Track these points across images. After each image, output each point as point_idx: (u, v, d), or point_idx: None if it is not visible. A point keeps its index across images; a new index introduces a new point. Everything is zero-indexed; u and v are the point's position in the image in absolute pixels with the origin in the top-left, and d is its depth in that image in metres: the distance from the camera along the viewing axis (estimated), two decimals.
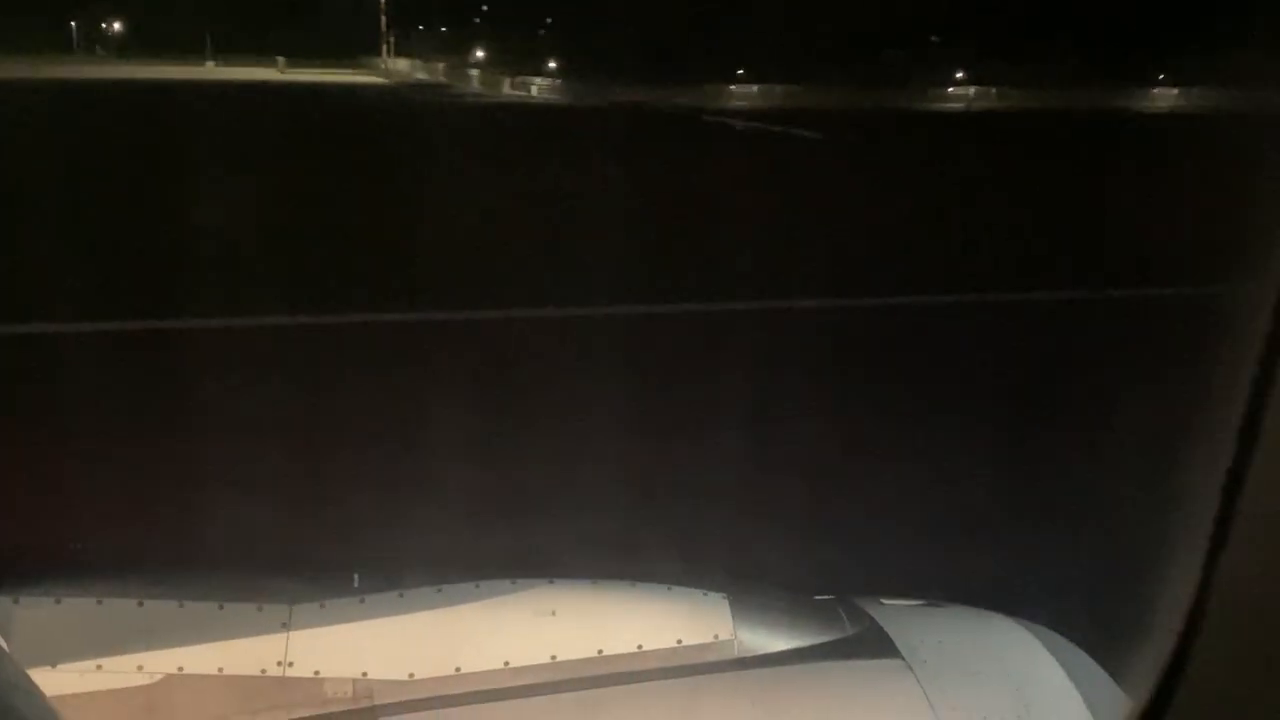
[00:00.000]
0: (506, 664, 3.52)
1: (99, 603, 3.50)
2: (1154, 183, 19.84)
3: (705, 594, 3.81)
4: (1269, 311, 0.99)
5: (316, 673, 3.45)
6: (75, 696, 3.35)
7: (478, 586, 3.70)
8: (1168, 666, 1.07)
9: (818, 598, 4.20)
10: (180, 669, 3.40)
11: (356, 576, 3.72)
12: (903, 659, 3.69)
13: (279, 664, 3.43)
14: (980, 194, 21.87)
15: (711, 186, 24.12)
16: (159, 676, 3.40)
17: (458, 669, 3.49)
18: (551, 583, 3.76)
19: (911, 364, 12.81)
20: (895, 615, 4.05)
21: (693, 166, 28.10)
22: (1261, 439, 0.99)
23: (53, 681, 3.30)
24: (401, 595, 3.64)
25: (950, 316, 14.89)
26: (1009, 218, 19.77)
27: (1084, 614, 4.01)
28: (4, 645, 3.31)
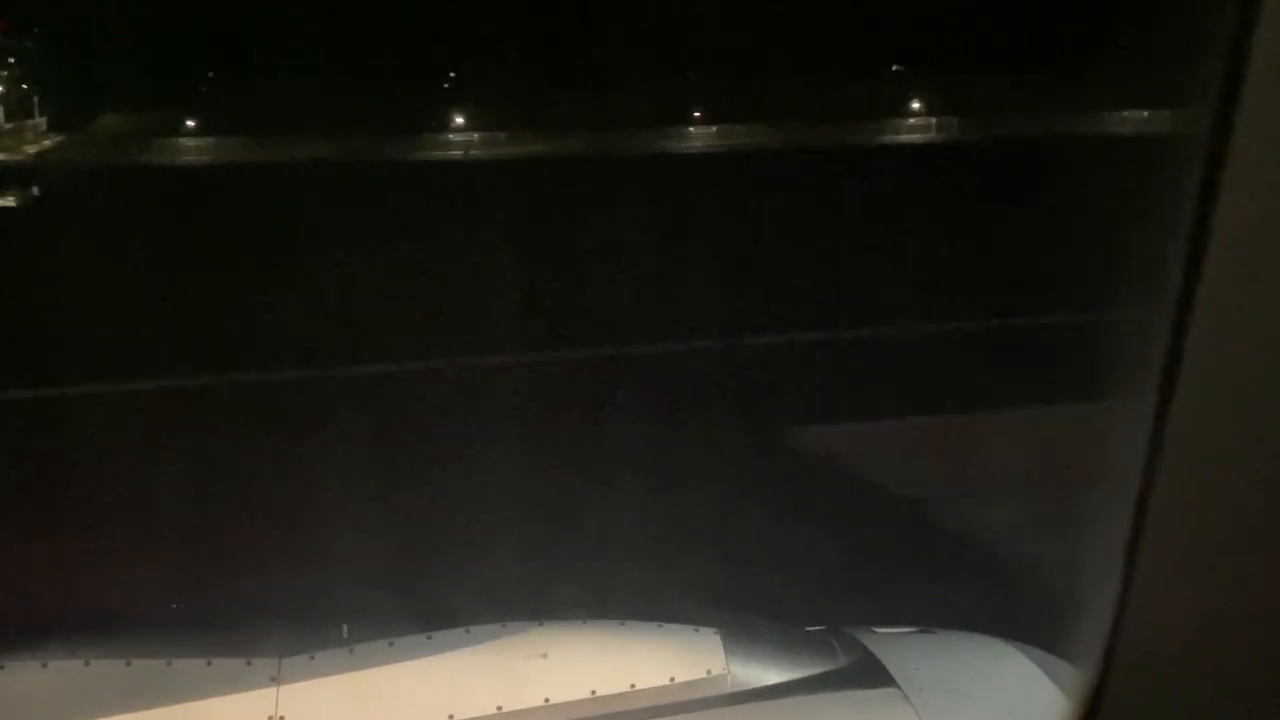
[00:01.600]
0: (500, 709, 3.50)
1: (85, 664, 3.47)
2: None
3: (696, 629, 3.80)
4: (1165, 337, 1.03)
5: None
6: None
7: (468, 632, 3.68)
8: (1100, 668, 1.11)
9: (810, 629, 4.20)
10: None
11: (345, 627, 3.70)
12: (898, 687, 3.68)
13: (270, 719, 3.40)
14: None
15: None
16: None
17: (451, 717, 3.46)
18: (541, 625, 3.75)
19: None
20: (889, 643, 4.04)
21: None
22: (1162, 462, 1.03)
23: None
24: (391, 644, 3.62)
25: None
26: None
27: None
28: None
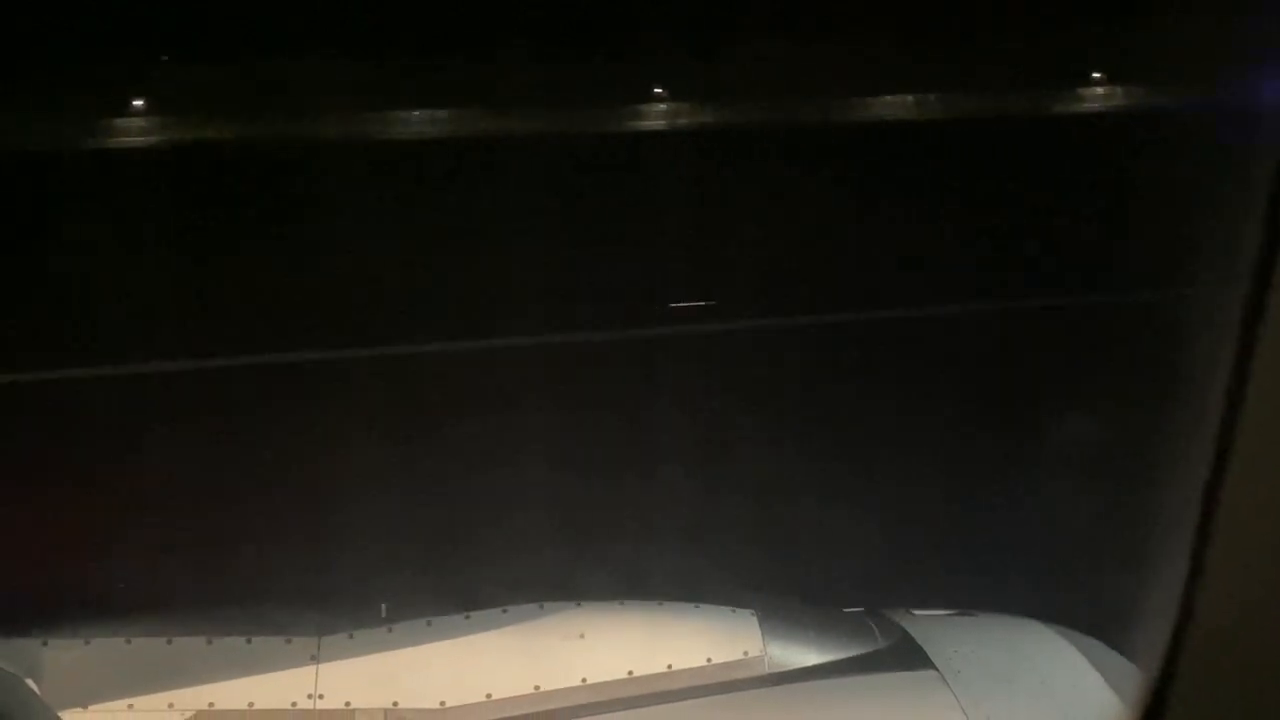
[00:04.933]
0: (537, 688, 3.51)
1: (128, 642, 3.52)
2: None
3: (734, 611, 3.79)
4: (1238, 316, 1.00)
5: (347, 704, 3.45)
6: None
7: (505, 612, 3.70)
8: (1163, 666, 1.08)
9: (847, 610, 4.18)
10: (211, 705, 3.41)
11: (384, 606, 3.73)
12: (936, 670, 3.66)
13: (309, 696, 3.43)
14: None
15: None
16: (190, 713, 3.41)
17: (489, 695, 3.48)
18: (579, 605, 3.76)
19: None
20: (927, 625, 4.01)
21: None
22: (1236, 448, 0.99)
23: None
24: (430, 623, 3.65)
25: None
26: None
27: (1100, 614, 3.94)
28: (35, 688, 3.33)
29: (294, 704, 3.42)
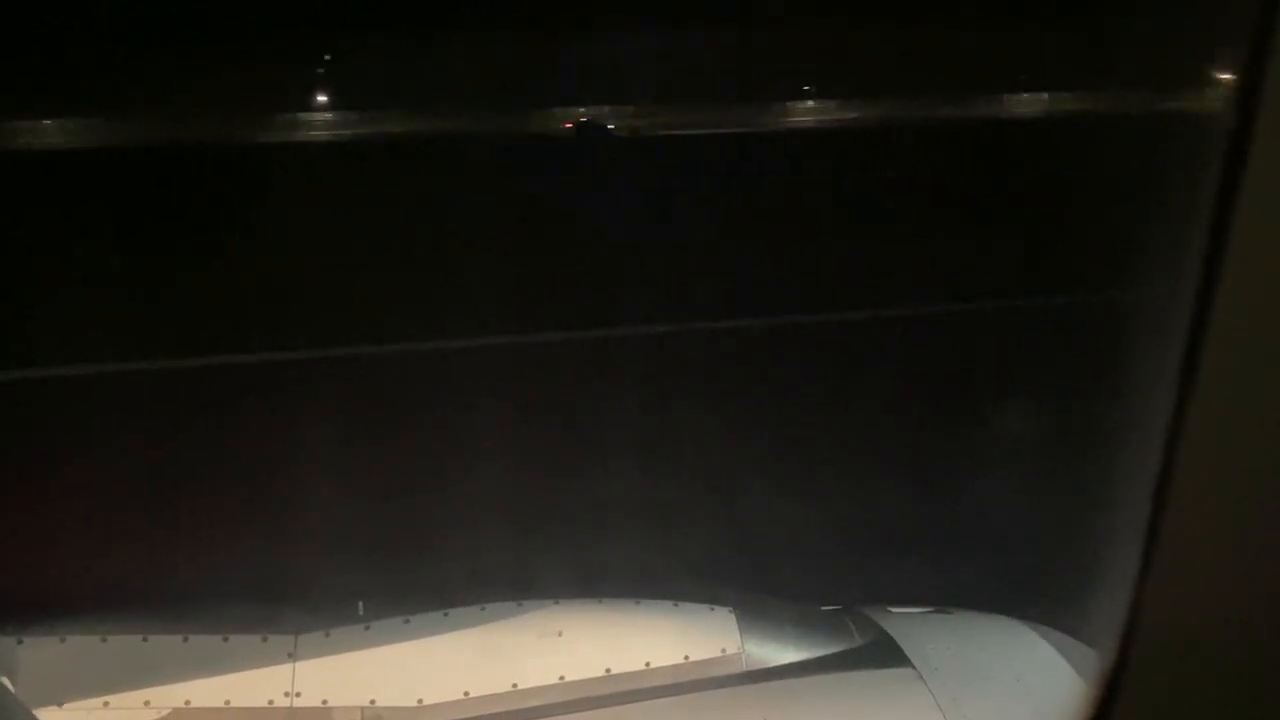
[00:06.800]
0: (515, 686, 3.51)
1: (103, 640, 3.50)
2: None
3: (711, 609, 3.80)
4: (1186, 316, 1.01)
5: (324, 702, 3.44)
6: None
7: (483, 610, 3.70)
8: (1115, 660, 1.10)
9: (825, 608, 4.20)
10: (187, 703, 3.40)
11: (361, 604, 3.72)
12: (913, 667, 3.68)
13: (286, 695, 3.42)
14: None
15: None
16: (166, 711, 3.39)
17: (466, 693, 3.48)
18: (557, 603, 3.76)
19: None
20: (904, 623, 4.03)
21: None
22: (1183, 445, 1.01)
23: None
24: (408, 621, 3.64)
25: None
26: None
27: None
28: (9, 685, 3.31)
29: (270, 702, 3.41)
